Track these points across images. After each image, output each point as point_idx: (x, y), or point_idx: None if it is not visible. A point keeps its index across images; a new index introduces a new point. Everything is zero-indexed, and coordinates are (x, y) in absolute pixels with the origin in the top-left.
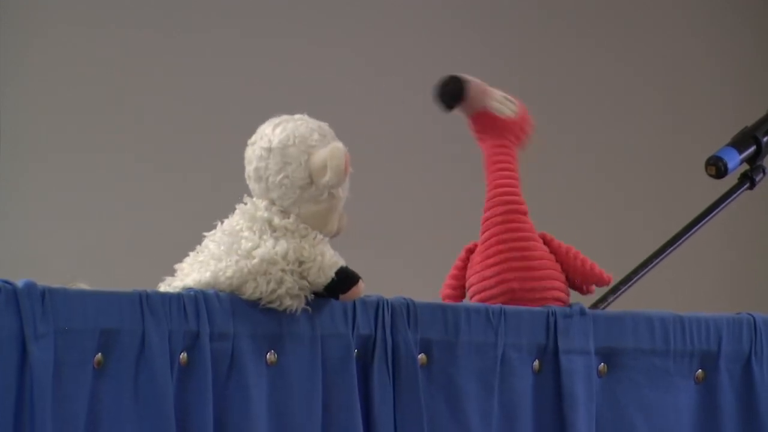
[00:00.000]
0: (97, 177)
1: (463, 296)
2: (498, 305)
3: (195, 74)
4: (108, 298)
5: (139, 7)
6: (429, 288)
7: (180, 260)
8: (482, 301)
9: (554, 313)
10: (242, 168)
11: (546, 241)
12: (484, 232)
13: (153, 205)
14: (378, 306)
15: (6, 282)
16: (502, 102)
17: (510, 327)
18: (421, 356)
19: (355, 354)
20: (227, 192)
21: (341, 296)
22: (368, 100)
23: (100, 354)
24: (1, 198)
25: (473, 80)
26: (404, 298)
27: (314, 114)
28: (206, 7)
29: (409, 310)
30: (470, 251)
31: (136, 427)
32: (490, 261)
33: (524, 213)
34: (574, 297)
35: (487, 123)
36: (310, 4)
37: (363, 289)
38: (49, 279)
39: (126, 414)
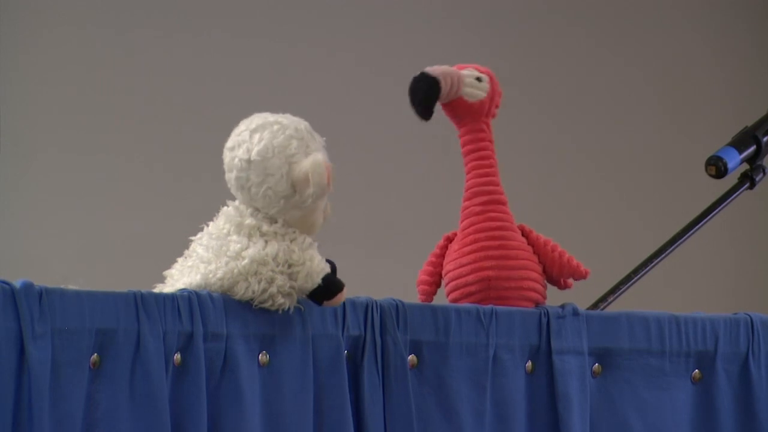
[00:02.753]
0: (97, 177)
1: (438, 284)
2: (489, 306)
3: (195, 75)
4: (104, 298)
5: (139, 8)
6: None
7: (179, 259)
8: (457, 288)
9: (546, 314)
10: None
11: (525, 233)
12: (462, 221)
13: (153, 205)
14: (367, 307)
15: (4, 282)
16: (473, 86)
17: (501, 328)
18: (412, 357)
19: (345, 355)
20: (227, 192)
21: (324, 303)
22: (364, 100)
23: (96, 354)
24: (1, 198)
25: (442, 73)
26: (394, 300)
27: (310, 113)
28: (206, 8)
29: (398, 311)
30: (449, 240)
31: (132, 427)
32: (467, 249)
33: (503, 203)
34: (571, 297)
35: (461, 110)
36: (308, 4)
37: (345, 297)
38: (48, 279)
39: (121, 414)
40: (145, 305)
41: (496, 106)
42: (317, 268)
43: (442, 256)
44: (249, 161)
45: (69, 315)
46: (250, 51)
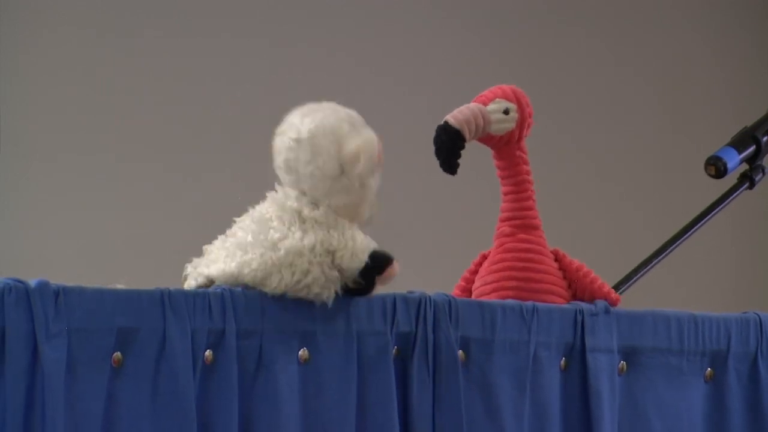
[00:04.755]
0: (97, 177)
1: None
2: (530, 302)
3: (195, 74)
4: (127, 297)
5: (139, 8)
6: (433, 289)
7: (180, 260)
8: None
9: (581, 311)
10: (242, 168)
11: (558, 258)
12: (494, 241)
13: (153, 205)
14: (420, 303)
15: (18, 281)
16: (500, 121)
17: (542, 325)
18: (460, 353)
19: (393, 351)
20: (227, 192)
21: (377, 278)
22: (364, 100)
23: (118, 352)
24: (1, 198)
25: (465, 120)
26: (446, 295)
27: None
28: (206, 8)
29: (450, 307)
30: (485, 257)
31: (156, 427)
32: (494, 267)
33: (536, 227)
34: None
35: (490, 143)
36: (308, 4)
37: (397, 270)
38: (48, 279)
39: (144, 412)
40: (173, 303)
41: (528, 126)
42: (361, 246)
43: (475, 272)
44: (298, 140)
45: (88, 314)
46: (250, 51)
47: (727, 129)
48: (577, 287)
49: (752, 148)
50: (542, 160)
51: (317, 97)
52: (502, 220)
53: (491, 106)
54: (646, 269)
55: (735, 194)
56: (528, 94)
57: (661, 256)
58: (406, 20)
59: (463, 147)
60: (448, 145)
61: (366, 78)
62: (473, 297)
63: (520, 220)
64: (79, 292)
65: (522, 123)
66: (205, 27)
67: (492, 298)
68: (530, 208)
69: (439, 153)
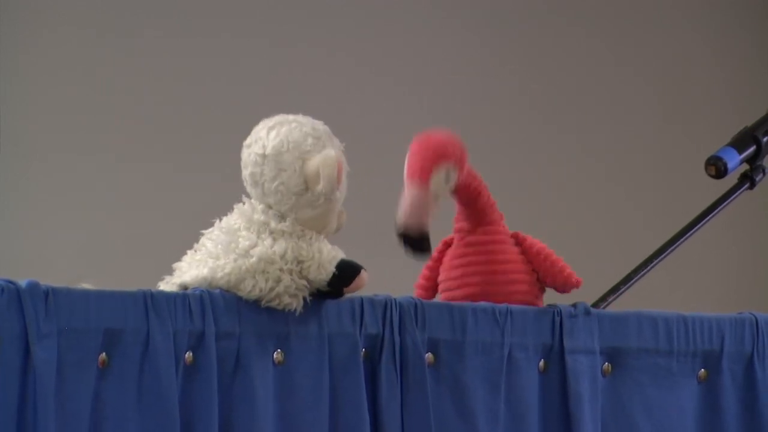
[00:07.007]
0: (97, 177)
1: (435, 289)
2: (504, 305)
3: (195, 74)
4: (112, 298)
5: (139, 8)
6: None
7: (179, 260)
8: (446, 299)
9: (560, 313)
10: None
11: (518, 241)
12: (455, 233)
13: (153, 205)
14: (386, 305)
15: (9, 282)
16: (443, 189)
17: (516, 326)
18: (429, 356)
19: (362, 353)
20: (227, 192)
21: (345, 289)
22: (364, 100)
23: (104, 353)
24: (1, 198)
25: (412, 222)
26: (412, 298)
27: (310, 114)
28: (206, 8)
29: (416, 309)
30: (447, 244)
31: (140, 426)
32: (456, 263)
33: (495, 221)
34: (571, 296)
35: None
36: (308, 4)
37: (366, 280)
38: (48, 279)
39: (129, 413)
40: (155, 304)
41: (466, 162)
42: (328, 257)
43: (439, 260)
44: (264, 156)
45: (76, 314)
46: (250, 51)
47: (728, 129)
48: (540, 271)
49: (752, 148)
50: (542, 160)
51: (317, 97)
52: (459, 221)
53: (434, 182)
54: (646, 270)
55: (735, 194)
56: (528, 93)
57: (662, 257)
58: (406, 20)
59: (428, 239)
60: (415, 246)
61: (366, 78)
62: (441, 290)
63: (477, 217)
64: (67, 293)
65: (461, 171)
66: (205, 27)
67: (457, 295)
68: (486, 206)
69: (413, 255)
